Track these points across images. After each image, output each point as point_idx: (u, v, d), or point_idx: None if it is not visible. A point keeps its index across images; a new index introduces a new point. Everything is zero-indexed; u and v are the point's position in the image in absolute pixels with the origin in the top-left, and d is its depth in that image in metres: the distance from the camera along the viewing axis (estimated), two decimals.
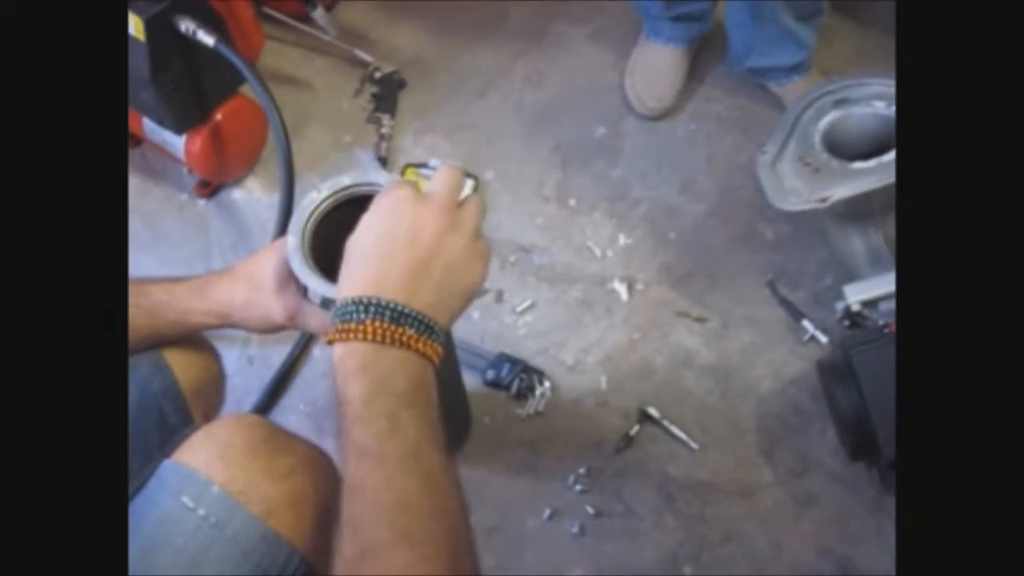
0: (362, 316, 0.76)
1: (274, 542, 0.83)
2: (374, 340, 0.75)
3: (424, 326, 0.77)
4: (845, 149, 1.46)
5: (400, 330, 0.76)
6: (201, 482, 0.84)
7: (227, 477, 0.84)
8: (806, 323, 1.62)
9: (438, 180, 0.83)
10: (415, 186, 0.83)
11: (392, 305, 0.76)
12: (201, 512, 0.82)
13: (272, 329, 0.99)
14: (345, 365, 0.76)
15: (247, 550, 0.82)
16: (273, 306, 0.96)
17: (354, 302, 0.77)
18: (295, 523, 0.85)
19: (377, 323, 0.76)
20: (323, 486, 0.90)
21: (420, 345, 0.77)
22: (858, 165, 1.40)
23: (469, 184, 1.82)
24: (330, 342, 0.77)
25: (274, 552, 0.83)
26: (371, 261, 0.79)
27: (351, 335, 0.76)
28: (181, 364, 1.04)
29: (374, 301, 0.76)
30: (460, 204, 0.83)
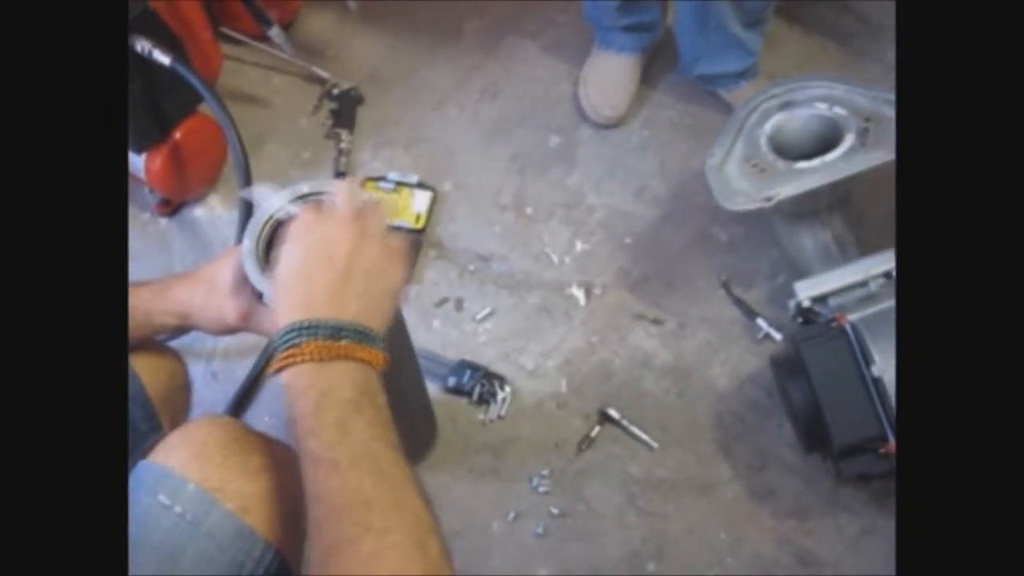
0: (299, 339, 0.80)
1: (249, 537, 0.85)
2: (314, 359, 0.80)
3: (360, 335, 0.82)
4: (790, 150, 1.51)
5: (338, 344, 0.81)
6: (177, 480, 0.85)
7: (202, 475, 0.86)
8: (760, 321, 1.65)
9: (335, 197, 0.89)
10: (317, 209, 0.89)
11: (324, 323, 0.81)
12: (178, 509, 0.84)
13: (226, 330, 1.02)
14: (292, 387, 0.80)
15: (223, 545, 0.84)
16: (227, 308, 0.99)
17: (289, 329, 0.81)
18: (269, 518, 0.87)
19: (315, 343, 0.80)
20: (294, 483, 0.92)
21: (360, 353, 0.82)
22: (802, 165, 1.45)
23: (424, 197, 1.84)
24: (277, 371, 0.81)
25: (249, 547, 0.85)
26: (294, 287, 0.85)
27: (293, 359, 0.80)
28: (148, 372, 1.06)
29: (307, 323, 0.81)
30: (362, 212, 0.88)
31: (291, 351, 0.80)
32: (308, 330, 0.80)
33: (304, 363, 0.79)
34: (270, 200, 0.98)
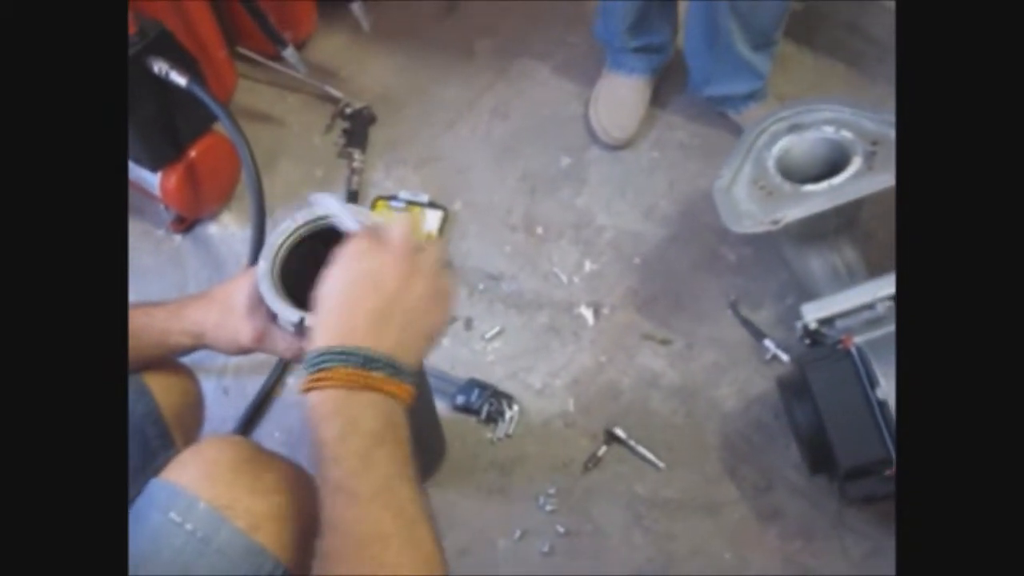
0: (331, 364, 0.80)
1: (259, 554, 0.87)
2: (344, 386, 0.80)
3: (392, 368, 0.82)
4: (798, 173, 1.52)
5: (368, 374, 0.81)
6: (188, 498, 0.87)
7: (213, 493, 0.87)
8: (768, 343, 1.65)
9: (394, 229, 0.88)
10: (375, 236, 0.88)
11: (359, 351, 0.81)
12: (189, 527, 0.85)
13: (240, 351, 1.03)
14: (319, 410, 0.80)
15: (233, 563, 0.85)
16: (241, 329, 1.01)
17: (324, 352, 0.81)
18: (278, 536, 0.89)
19: (346, 369, 0.80)
20: (304, 501, 0.94)
21: (389, 386, 0.82)
22: (809, 188, 1.45)
23: (435, 216, 1.86)
24: (305, 391, 0.81)
25: (259, 564, 0.87)
26: (337, 312, 0.84)
27: (323, 383, 0.80)
28: (162, 389, 1.08)
29: (341, 349, 0.81)
30: (419, 247, 0.88)
31: (322, 374, 0.81)
32: (341, 356, 0.81)
33: (333, 388, 0.80)
34: (332, 208, 0.96)
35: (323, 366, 0.81)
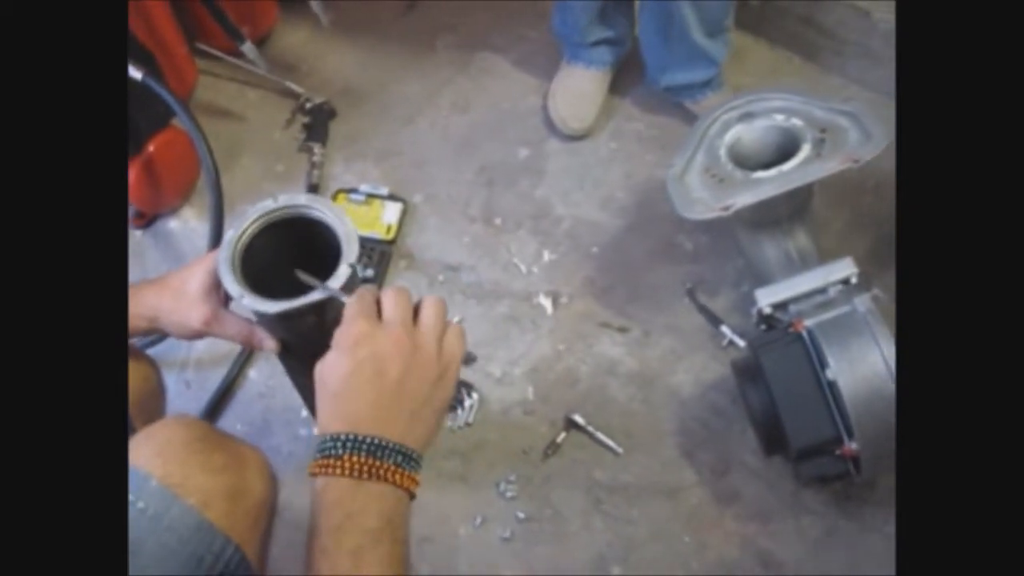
0: (340, 451, 0.79)
1: (209, 531, 0.88)
2: (351, 475, 0.79)
3: (402, 456, 0.81)
4: (749, 160, 1.54)
5: (377, 463, 0.79)
6: (140, 477, 0.88)
7: (165, 471, 0.88)
8: (724, 329, 1.68)
9: (389, 307, 0.85)
10: (371, 316, 0.85)
11: (368, 440, 0.80)
12: (140, 505, 0.86)
13: (192, 334, 1.06)
14: (322, 497, 0.80)
15: (183, 539, 0.86)
16: (192, 314, 1.03)
17: (332, 437, 0.80)
18: (229, 514, 0.90)
19: (355, 458, 0.79)
20: (256, 481, 0.96)
21: (397, 477, 0.80)
22: (759, 174, 1.47)
23: (395, 209, 1.87)
24: (313, 475, 0.81)
25: (209, 540, 0.88)
26: (343, 398, 0.82)
27: (330, 469, 0.79)
28: None
29: (351, 437, 0.80)
30: (419, 321, 0.85)
31: (330, 460, 0.80)
32: (351, 443, 0.80)
33: (339, 476, 0.79)
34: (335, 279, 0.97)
35: (331, 452, 0.80)
